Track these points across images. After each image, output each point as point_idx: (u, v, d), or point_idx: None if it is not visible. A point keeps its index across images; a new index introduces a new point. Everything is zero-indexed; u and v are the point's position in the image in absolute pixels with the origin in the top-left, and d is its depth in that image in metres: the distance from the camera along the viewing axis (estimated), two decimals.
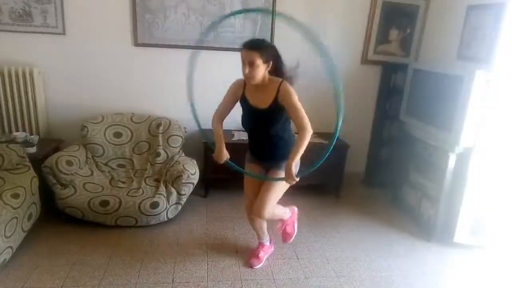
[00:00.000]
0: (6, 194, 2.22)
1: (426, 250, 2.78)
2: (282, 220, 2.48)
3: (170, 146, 3.19)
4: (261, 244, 2.56)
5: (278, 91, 2.04)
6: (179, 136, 3.22)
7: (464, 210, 2.76)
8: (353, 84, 3.77)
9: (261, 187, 2.25)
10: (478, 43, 2.94)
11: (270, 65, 2.06)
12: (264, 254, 2.53)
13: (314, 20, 3.53)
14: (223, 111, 2.27)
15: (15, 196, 2.26)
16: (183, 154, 3.25)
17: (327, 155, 2.05)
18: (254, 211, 2.26)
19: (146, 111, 3.44)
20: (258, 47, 1.99)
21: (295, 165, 2.06)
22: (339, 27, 3.60)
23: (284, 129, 2.16)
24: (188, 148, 3.41)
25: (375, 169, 3.87)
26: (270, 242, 2.61)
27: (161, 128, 3.21)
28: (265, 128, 2.12)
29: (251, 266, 2.45)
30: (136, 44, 3.33)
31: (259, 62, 1.99)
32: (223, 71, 3.50)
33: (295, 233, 2.56)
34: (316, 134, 3.69)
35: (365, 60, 3.72)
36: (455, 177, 2.79)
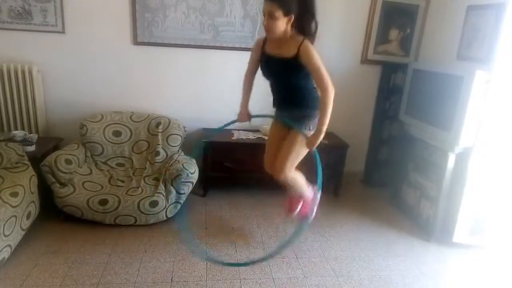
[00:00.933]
0: (5, 192, 2.21)
1: (425, 250, 2.79)
2: (301, 194, 2.49)
3: (170, 145, 3.19)
4: (303, 198, 2.54)
5: (298, 49, 2.00)
6: (179, 135, 3.22)
7: (463, 210, 2.76)
8: (353, 83, 3.77)
9: (282, 147, 2.29)
10: (478, 43, 2.94)
11: (292, 19, 1.98)
12: (309, 207, 2.51)
13: None
14: (251, 70, 2.36)
15: (14, 194, 2.25)
16: (183, 153, 3.25)
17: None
18: (275, 170, 2.31)
19: (145, 109, 3.44)
20: None
21: (317, 132, 2.13)
22: (339, 27, 3.60)
23: (307, 79, 2.14)
24: (187, 147, 3.41)
25: (374, 168, 3.87)
26: (312, 192, 2.55)
27: (160, 127, 3.21)
28: (286, 78, 2.11)
29: (304, 215, 2.53)
30: (136, 42, 3.33)
31: (278, 14, 1.92)
32: (223, 70, 3.51)
33: (312, 215, 2.52)
34: None
35: (364, 60, 3.72)
36: (455, 177, 2.79)
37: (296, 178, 2.37)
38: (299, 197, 2.54)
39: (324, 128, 2.08)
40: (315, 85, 2.15)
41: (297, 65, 2.04)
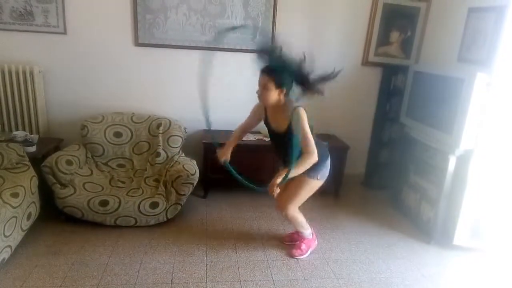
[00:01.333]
0: (5, 193, 2.21)
1: (425, 252, 2.78)
2: (300, 234, 2.64)
3: (170, 146, 3.19)
4: (300, 236, 2.65)
5: (292, 116, 2.14)
6: (179, 136, 3.22)
7: (464, 212, 2.75)
8: (354, 85, 3.77)
9: (288, 187, 2.41)
10: (479, 46, 2.95)
11: (284, 91, 2.15)
12: (306, 247, 2.63)
13: (315, 22, 3.54)
14: (245, 126, 2.53)
15: (15, 195, 2.25)
16: (183, 155, 3.25)
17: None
18: (278, 206, 2.50)
19: (146, 111, 3.44)
20: (271, 73, 2.11)
21: (310, 184, 2.37)
22: (340, 29, 3.60)
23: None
24: (188, 148, 3.41)
25: (375, 171, 3.87)
26: (312, 236, 2.69)
27: (161, 128, 3.21)
28: (286, 147, 2.19)
29: (292, 255, 2.59)
30: (137, 44, 3.33)
31: (270, 86, 2.12)
32: (225, 71, 3.51)
33: (305, 255, 2.61)
34: (315, 135, 3.71)
35: (365, 62, 3.72)
36: (455, 180, 2.79)
37: (296, 217, 2.52)
38: (298, 234, 2.68)
39: (291, 175, 2.14)
40: (316, 139, 2.27)
41: (292, 133, 2.14)
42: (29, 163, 2.58)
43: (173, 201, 2.80)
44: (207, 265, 2.43)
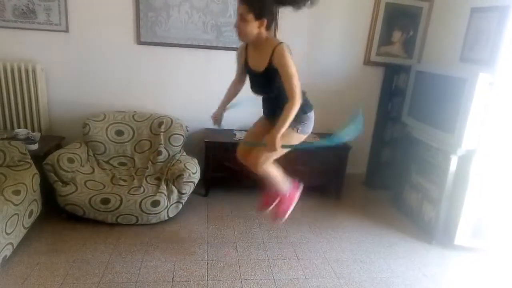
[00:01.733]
0: (7, 190, 2.22)
1: (426, 252, 2.78)
2: (278, 189, 2.30)
3: (172, 144, 3.19)
4: (280, 193, 2.35)
5: (272, 53, 1.90)
6: (181, 135, 3.22)
7: (466, 212, 2.75)
8: (355, 85, 3.76)
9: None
10: (481, 46, 2.94)
11: (265, 23, 1.90)
12: (289, 201, 2.34)
13: (317, 21, 3.53)
14: (235, 80, 2.34)
15: (16, 192, 2.26)
16: (184, 153, 3.25)
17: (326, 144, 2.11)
18: (250, 161, 2.19)
19: (148, 109, 3.44)
20: (250, 0, 1.85)
21: (288, 135, 2.03)
22: (342, 28, 3.59)
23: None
24: (189, 147, 3.41)
25: (376, 170, 3.87)
26: (292, 186, 2.37)
27: (162, 126, 3.21)
28: (267, 90, 2.05)
29: (277, 217, 2.38)
30: (139, 42, 3.33)
31: (248, 17, 1.86)
32: (225, 70, 3.50)
33: (287, 214, 2.34)
34: (316, 134, 3.71)
35: (367, 61, 3.72)
36: (457, 179, 2.78)
37: (272, 171, 2.21)
38: (276, 192, 2.36)
39: (281, 130, 1.92)
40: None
41: (273, 74, 1.94)
42: (31, 161, 2.58)
43: (174, 199, 2.80)
44: (208, 263, 2.43)
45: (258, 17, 1.88)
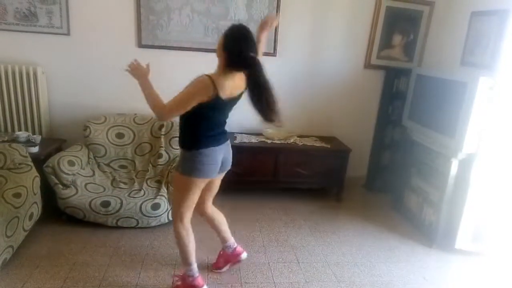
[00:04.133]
0: (8, 193, 2.22)
1: (427, 256, 2.77)
2: (182, 262, 2.10)
3: (172, 147, 3.19)
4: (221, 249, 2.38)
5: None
6: None
7: (466, 216, 2.75)
8: (356, 88, 3.77)
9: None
10: (481, 49, 2.94)
11: (225, 58, 1.87)
12: (223, 262, 2.35)
13: (318, 25, 3.54)
14: None
15: (17, 195, 2.26)
16: None
17: None
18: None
19: (148, 112, 3.39)
20: (228, 33, 1.88)
21: (176, 180, 2.00)
22: (343, 31, 3.60)
23: (188, 118, 1.97)
24: None
25: (376, 173, 3.86)
26: (233, 250, 2.34)
27: (163, 129, 3.21)
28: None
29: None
30: (140, 45, 3.34)
31: (220, 44, 1.91)
32: None
33: None
34: (317, 138, 3.72)
35: (368, 65, 3.72)
36: (457, 183, 2.78)
37: (182, 238, 2.04)
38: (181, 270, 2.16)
39: (142, 85, 2.08)
40: (194, 123, 1.96)
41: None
42: (31, 164, 2.59)
43: None
44: (208, 267, 2.42)
45: (224, 48, 1.88)
